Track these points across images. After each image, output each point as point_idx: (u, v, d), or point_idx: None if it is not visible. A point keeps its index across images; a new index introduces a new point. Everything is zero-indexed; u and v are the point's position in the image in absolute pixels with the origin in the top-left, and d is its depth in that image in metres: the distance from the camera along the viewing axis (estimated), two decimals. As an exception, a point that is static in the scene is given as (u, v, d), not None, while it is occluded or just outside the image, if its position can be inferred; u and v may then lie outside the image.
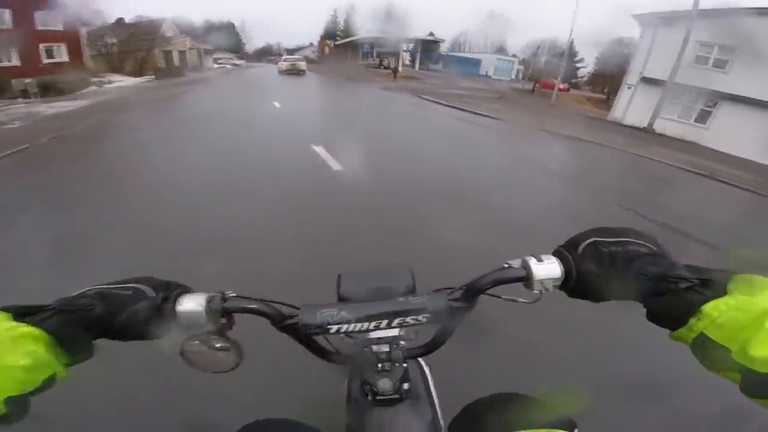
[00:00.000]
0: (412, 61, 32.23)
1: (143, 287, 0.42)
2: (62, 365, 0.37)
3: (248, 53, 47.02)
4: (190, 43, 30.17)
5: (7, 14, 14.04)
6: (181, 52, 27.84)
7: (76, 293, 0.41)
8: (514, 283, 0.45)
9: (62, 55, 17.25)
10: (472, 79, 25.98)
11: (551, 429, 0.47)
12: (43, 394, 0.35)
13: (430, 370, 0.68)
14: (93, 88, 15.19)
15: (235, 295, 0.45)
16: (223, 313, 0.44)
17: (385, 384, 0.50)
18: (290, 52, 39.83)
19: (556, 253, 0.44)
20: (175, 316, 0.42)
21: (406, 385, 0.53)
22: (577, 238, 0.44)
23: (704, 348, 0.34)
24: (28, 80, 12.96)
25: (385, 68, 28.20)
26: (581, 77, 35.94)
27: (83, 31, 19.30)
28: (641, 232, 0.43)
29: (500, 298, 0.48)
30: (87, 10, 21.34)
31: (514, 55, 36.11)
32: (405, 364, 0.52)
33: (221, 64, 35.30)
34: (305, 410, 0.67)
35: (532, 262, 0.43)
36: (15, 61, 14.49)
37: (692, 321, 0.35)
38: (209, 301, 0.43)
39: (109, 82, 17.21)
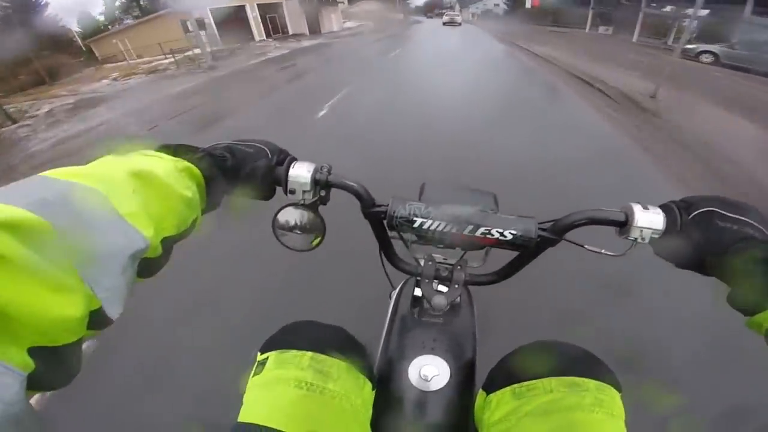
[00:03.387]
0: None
1: (264, 147, 0.46)
2: (200, 211, 0.38)
3: (410, 4, 39.87)
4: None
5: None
6: (268, 6, 16.03)
7: (209, 145, 0.43)
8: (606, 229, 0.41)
9: None
10: None
11: (604, 384, 0.48)
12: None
13: (477, 309, 0.64)
14: None
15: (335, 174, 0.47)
16: (324, 185, 0.47)
17: (439, 301, 0.49)
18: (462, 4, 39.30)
19: (664, 207, 0.42)
20: (286, 178, 0.46)
21: (456, 311, 0.54)
22: (695, 200, 0.41)
23: None
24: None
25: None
26: None
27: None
28: (765, 215, 0.40)
29: (583, 247, 0.46)
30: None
31: None
32: (463, 288, 0.51)
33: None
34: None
35: (637, 209, 0.42)
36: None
37: None
38: (317, 170, 0.46)
39: None
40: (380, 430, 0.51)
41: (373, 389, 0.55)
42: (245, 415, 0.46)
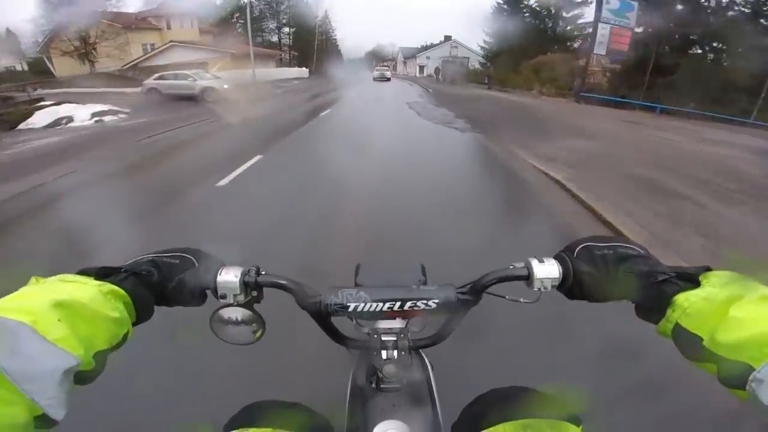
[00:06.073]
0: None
1: (189, 257, 0.47)
2: (131, 324, 0.41)
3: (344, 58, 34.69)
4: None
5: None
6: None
7: (132, 260, 0.45)
8: (516, 284, 0.49)
9: None
10: None
11: (559, 421, 0.50)
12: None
13: (432, 368, 0.68)
14: None
15: (265, 273, 0.50)
16: (255, 287, 0.49)
17: (389, 370, 0.51)
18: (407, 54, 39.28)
19: (556, 257, 0.49)
20: (215, 284, 0.47)
21: (408, 375, 0.56)
22: (574, 243, 0.48)
23: (680, 337, 0.36)
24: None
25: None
26: None
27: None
28: (630, 240, 0.48)
29: (504, 297, 0.52)
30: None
31: None
32: (410, 354, 0.54)
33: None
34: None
35: (534, 263, 0.48)
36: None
37: (668, 312, 0.37)
38: (245, 273, 0.48)
39: None
40: None
41: None
42: None
